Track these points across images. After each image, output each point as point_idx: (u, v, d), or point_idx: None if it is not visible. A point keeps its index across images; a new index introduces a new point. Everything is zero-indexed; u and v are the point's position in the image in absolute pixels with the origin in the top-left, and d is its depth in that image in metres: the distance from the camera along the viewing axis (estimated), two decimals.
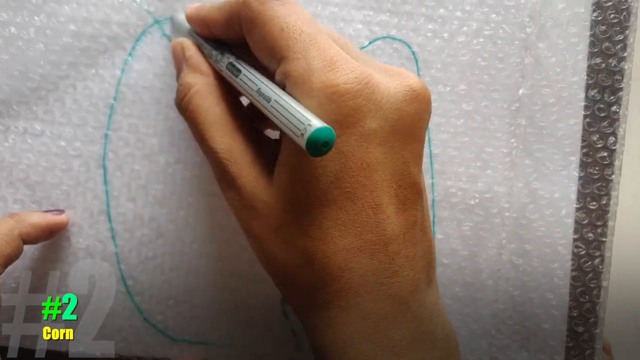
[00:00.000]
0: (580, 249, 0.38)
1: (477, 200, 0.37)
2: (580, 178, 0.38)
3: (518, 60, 0.37)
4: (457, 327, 0.37)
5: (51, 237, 0.36)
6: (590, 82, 0.38)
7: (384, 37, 0.37)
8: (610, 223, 0.38)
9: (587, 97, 0.38)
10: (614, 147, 0.38)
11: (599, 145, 0.38)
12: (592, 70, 0.38)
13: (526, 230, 0.38)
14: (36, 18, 0.36)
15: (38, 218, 0.35)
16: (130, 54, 0.36)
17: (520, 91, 0.38)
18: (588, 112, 0.38)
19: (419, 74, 0.37)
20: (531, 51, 0.37)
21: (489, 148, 0.37)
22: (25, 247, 0.34)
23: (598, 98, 0.38)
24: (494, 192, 0.37)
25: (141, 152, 0.37)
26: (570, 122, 0.38)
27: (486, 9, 0.37)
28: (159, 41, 0.37)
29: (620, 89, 0.38)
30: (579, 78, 0.37)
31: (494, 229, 0.37)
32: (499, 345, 0.38)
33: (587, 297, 0.38)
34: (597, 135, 0.38)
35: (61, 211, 0.36)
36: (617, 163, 0.38)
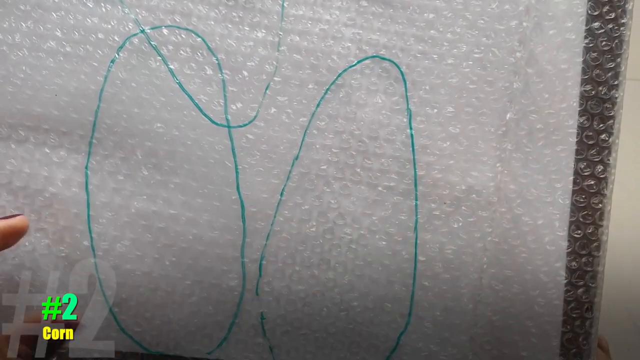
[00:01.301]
0: (563, 278, 0.37)
1: (460, 224, 0.37)
2: (579, 207, 0.37)
3: (507, 85, 0.37)
4: (436, 352, 0.37)
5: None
6: (579, 109, 0.37)
7: (373, 57, 0.37)
8: (596, 253, 0.37)
9: (591, 127, 0.37)
10: (602, 176, 0.38)
11: (586, 173, 0.37)
12: (581, 97, 0.37)
13: (507, 255, 0.37)
14: (23, 24, 0.35)
15: None
16: (112, 61, 0.36)
17: (508, 116, 0.37)
18: (576, 139, 0.37)
19: (406, 95, 0.37)
20: (520, 76, 0.37)
21: (474, 172, 0.37)
22: (5, 252, 0.34)
23: (587, 125, 0.37)
24: (478, 216, 0.37)
25: (125, 162, 0.36)
26: (557, 148, 0.37)
27: (476, 32, 0.37)
28: (143, 50, 0.36)
29: (611, 117, 0.37)
30: (567, 104, 0.37)
31: (476, 254, 0.37)
32: None
33: (568, 327, 0.37)
34: (585, 163, 0.37)
35: (16, 215, 0.34)
36: (606, 192, 0.37)
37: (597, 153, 0.37)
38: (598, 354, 0.38)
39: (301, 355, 0.37)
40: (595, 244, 0.37)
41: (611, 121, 0.37)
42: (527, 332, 0.37)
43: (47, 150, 0.36)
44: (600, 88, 0.37)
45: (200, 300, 0.37)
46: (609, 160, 0.37)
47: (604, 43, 0.37)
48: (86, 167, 0.36)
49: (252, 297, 0.37)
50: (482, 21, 0.37)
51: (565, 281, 0.37)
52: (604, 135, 0.37)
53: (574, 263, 0.37)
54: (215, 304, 0.37)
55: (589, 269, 0.37)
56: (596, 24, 0.37)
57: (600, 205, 0.37)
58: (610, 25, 0.37)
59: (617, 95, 0.38)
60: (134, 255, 0.37)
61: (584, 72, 0.37)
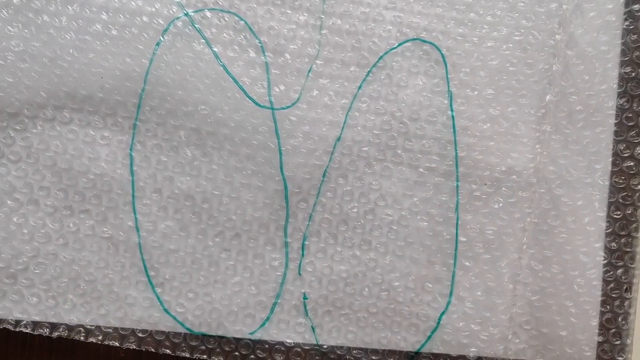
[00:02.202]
0: (602, 258, 0.38)
1: (500, 205, 0.37)
2: (619, 188, 0.38)
3: (546, 67, 0.37)
4: (476, 331, 0.37)
5: None
6: (619, 90, 0.38)
7: (414, 39, 0.37)
8: (635, 234, 0.38)
9: (631, 108, 0.37)
10: None
11: (625, 155, 0.38)
12: (621, 79, 0.37)
13: (547, 236, 0.38)
14: (69, 7, 0.36)
15: None
16: (157, 44, 0.37)
17: (547, 97, 0.38)
18: (616, 121, 0.38)
19: (447, 77, 0.37)
20: (560, 58, 0.37)
21: (514, 153, 0.37)
22: (50, 233, 0.34)
23: (627, 107, 0.38)
24: (518, 197, 0.37)
25: (168, 143, 0.37)
26: (597, 130, 0.38)
27: (517, 15, 0.37)
28: (187, 33, 0.37)
29: None
30: (607, 86, 0.37)
31: (515, 234, 0.38)
32: (514, 349, 0.38)
33: (608, 306, 0.38)
34: (624, 145, 0.38)
35: None
36: None
37: (636, 134, 0.38)
38: None
39: (343, 335, 0.37)
40: (634, 225, 0.38)
41: None
42: (566, 311, 0.38)
43: (92, 132, 0.37)
44: None
45: (243, 280, 0.37)
46: None
47: None
48: (130, 149, 0.37)
49: (294, 277, 0.37)
50: (522, 4, 0.37)
51: (605, 261, 0.38)
52: None
53: (613, 244, 0.38)
54: (258, 284, 0.37)
55: (628, 249, 0.38)
56: (636, 6, 0.37)
57: (639, 186, 0.38)
58: None
59: None
60: (178, 235, 0.37)
61: (623, 53, 0.37)
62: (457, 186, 0.37)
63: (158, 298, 0.37)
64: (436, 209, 0.37)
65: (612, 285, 0.38)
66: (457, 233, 0.37)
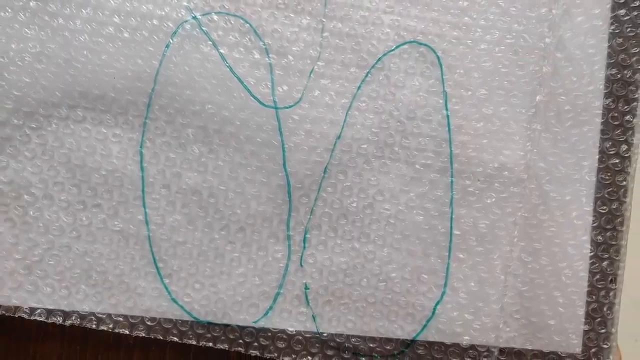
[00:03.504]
0: (589, 251, 0.40)
1: (493, 200, 0.39)
2: (604, 184, 0.40)
3: (537, 69, 0.39)
4: (469, 320, 0.39)
5: None
6: (605, 91, 0.40)
7: (411, 42, 0.39)
8: (620, 228, 0.40)
9: (616, 108, 0.40)
10: (626, 155, 0.40)
11: (611, 152, 0.40)
12: (607, 80, 0.39)
13: (536, 229, 0.40)
14: (83, 11, 0.38)
15: None
16: (167, 46, 0.38)
17: (537, 98, 0.40)
18: (602, 120, 0.40)
19: (442, 78, 0.39)
20: (549, 60, 0.39)
21: (506, 150, 0.39)
22: (64, 226, 0.36)
23: (612, 107, 0.40)
24: (509, 192, 0.39)
25: (176, 141, 0.39)
26: (584, 128, 0.40)
27: (508, 19, 0.39)
28: (195, 36, 0.39)
29: (635, 99, 0.40)
30: (594, 87, 0.39)
31: (507, 227, 0.39)
32: (505, 337, 0.40)
33: (593, 297, 0.40)
34: (610, 143, 0.40)
35: None
36: (630, 170, 0.40)
37: (621, 133, 0.40)
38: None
39: (342, 324, 0.39)
40: (619, 219, 0.40)
41: (635, 103, 0.40)
42: (555, 301, 0.40)
43: (104, 130, 0.38)
44: (626, 72, 0.40)
45: (247, 271, 0.39)
46: (632, 140, 0.40)
47: (629, 29, 0.39)
48: (140, 146, 0.39)
49: (296, 269, 0.39)
50: (513, 8, 0.39)
51: (591, 254, 0.40)
52: (628, 117, 0.40)
53: (599, 237, 0.40)
54: (262, 275, 0.39)
55: (613, 242, 0.40)
56: (622, 11, 0.39)
57: (624, 182, 0.40)
58: (635, 13, 0.39)
59: None
60: (185, 229, 0.39)
61: (609, 56, 0.39)
62: (452, 182, 0.39)
63: (166, 288, 0.39)
64: (432, 204, 0.39)
65: (598, 276, 0.40)
66: (451, 227, 0.39)
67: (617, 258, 0.40)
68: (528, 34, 0.39)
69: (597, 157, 0.40)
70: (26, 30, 0.37)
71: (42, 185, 0.38)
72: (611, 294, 0.40)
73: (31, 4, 0.37)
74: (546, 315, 0.40)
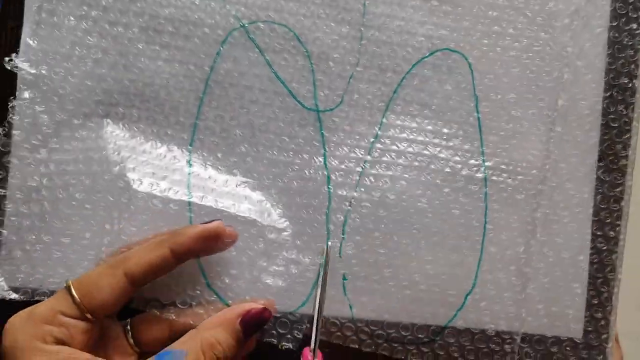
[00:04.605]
0: (602, 244, 0.43)
1: (522, 196, 0.43)
2: (604, 182, 0.43)
3: (560, 75, 0.42)
4: (497, 310, 0.42)
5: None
6: (619, 98, 0.43)
7: (444, 49, 0.42)
8: (621, 222, 0.43)
9: (615, 111, 0.43)
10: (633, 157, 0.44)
11: (622, 155, 0.43)
12: (620, 88, 0.43)
13: (557, 225, 0.43)
14: (140, 20, 0.40)
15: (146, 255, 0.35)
16: (218, 53, 0.41)
17: (559, 102, 0.43)
18: (616, 125, 0.43)
19: (474, 84, 0.42)
20: (571, 68, 0.43)
21: (533, 150, 0.43)
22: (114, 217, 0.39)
23: (624, 113, 0.43)
24: (536, 190, 0.43)
25: (224, 141, 0.41)
26: (601, 132, 0.43)
27: (535, 28, 0.42)
28: (243, 43, 0.41)
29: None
30: (610, 93, 0.43)
31: (533, 222, 0.43)
32: (527, 325, 0.43)
33: (605, 287, 0.43)
34: (621, 145, 0.43)
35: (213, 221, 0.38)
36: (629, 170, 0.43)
37: (628, 138, 0.43)
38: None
39: (377, 312, 0.42)
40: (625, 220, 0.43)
41: None
42: (573, 292, 0.43)
43: (155, 130, 0.41)
44: (635, 81, 0.43)
45: (287, 262, 0.41)
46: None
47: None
48: (190, 144, 0.41)
49: (335, 259, 0.42)
50: (540, 18, 0.42)
51: (604, 247, 0.43)
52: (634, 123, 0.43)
53: (611, 232, 0.43)
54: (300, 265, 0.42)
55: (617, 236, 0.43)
56: (634, 25, 0.43)
57: (629, 182, 0.43)
58: None
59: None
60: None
61: (622, 66, 0.43)
62: (485, 178, 0.42)
63: (203, 272, 0.40)
64: (466, 199, 0.42)
65: (608, 268, 0.43)
66: (485, 221, 0.42)
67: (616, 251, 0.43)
68: (553, 42, 0.42)
69: (611, 158, 0.43)
70: (89, 37, 0.40)
71: (89, 182, 0.40)
72: (613, 285, 0.43)
73: (93, 13, 0.40)
74: (565, 305, 0.43)
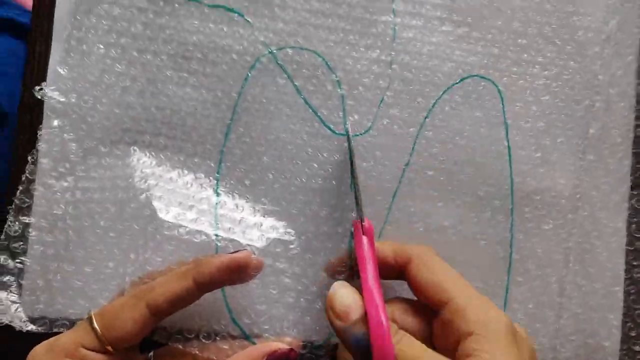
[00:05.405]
0: (639, 275, 0.42)
1: (550, 226, 0.42)
2: (639, 210, 0.42)
3: (591, 104, 0.42)
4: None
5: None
6: None
7: (474, 76, 0.42)
8: None
9: None
10: None
11: None
12: None
13: (590, 254, 0.42)
14: (169, 47, 0.40)
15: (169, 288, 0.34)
16: (246, 79, 0.41)
17: (591, 131, 0.42)
18: None
19: (503, 110, 0.42)
20: (602, 96, 0.42)
21: (562, 180, 0.42)
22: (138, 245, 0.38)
23: None
24: (565, 219, 0.42)
25: (252, 168, 0.41)
26: (634, 160, 0.42)
27: (565, 56, 0.42)
28: (271, 69, 0.41)
29: None
30: None
31: (563, 252, 0.42)
32: (561, 357, 0.42)
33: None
34: None
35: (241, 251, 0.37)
36: None
37: None
38: None
39: None
40: None
41: None
42: (609, 324, 0.42)
43: (182, 158, 0.40)
44: None
45: (298, 294, 0.40)
46: None
47: None
48: (217, 172, 0.41)
49: None
50: (569, 47, 0.42)
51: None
52: None
53: None
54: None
55: None
56: None
57: None
58: None
59: None
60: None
61: None
62: (512, 209, 0.42)
63: (228, 307, 0.40)
64: (493, 229, 0.41)
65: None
66: (511, 252, 0.41)
67: None
68: (583, 71, 0.42)
69: None
70: (117, 65, 0.39)
71: (114, 209, 0.39)
72: None
73: (122, 40, 0.39)
74: (601, 336, 0.42)
